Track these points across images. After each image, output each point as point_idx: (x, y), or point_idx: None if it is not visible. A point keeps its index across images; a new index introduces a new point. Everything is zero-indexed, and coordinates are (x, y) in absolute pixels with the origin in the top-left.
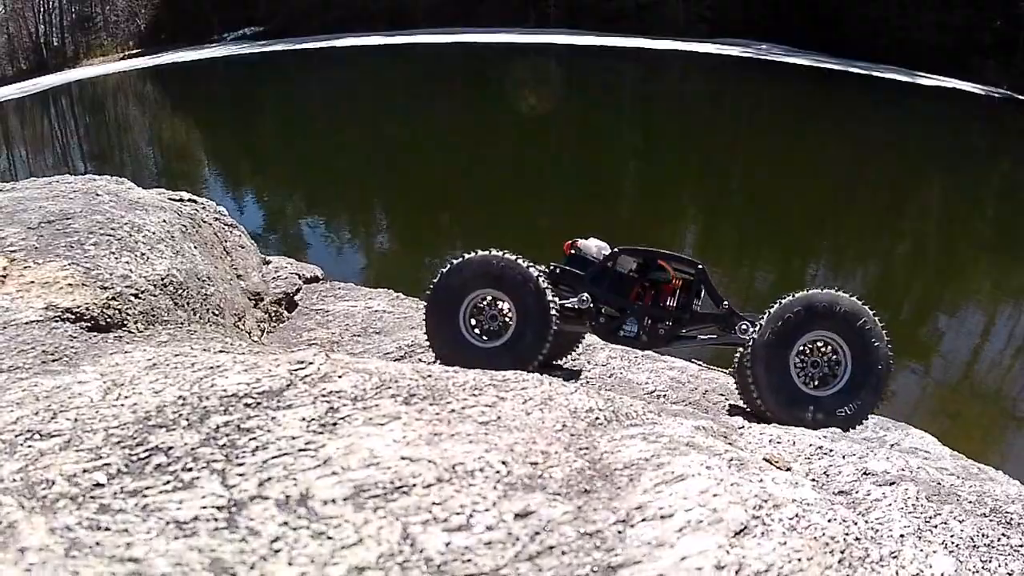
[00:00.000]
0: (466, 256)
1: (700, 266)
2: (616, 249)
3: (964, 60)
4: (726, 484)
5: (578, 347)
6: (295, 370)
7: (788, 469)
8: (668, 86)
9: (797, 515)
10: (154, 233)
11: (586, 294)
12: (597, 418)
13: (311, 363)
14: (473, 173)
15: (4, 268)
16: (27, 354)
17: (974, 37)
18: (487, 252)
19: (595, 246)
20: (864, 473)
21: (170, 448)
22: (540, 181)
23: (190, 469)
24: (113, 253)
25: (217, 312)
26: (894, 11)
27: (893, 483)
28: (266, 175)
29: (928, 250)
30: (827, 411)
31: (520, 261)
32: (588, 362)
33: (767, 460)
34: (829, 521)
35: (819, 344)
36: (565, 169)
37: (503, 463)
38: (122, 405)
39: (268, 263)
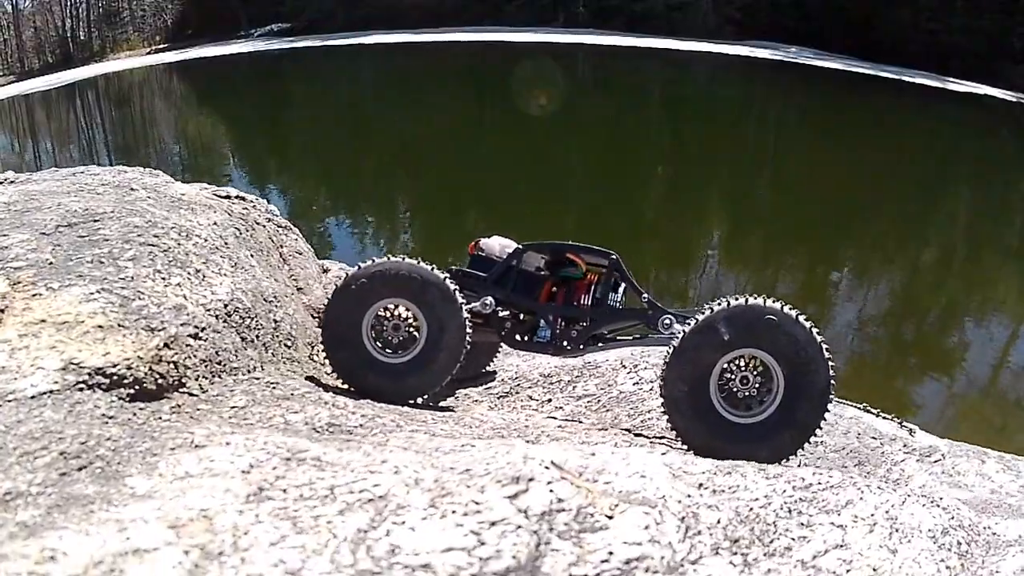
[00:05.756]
0: (369, 262)
1: (613, 256)
2: (520, 246)
3: (994, 66)
4: None
5: (494, 359)
6: (517, 500)
7: None
8: (696, 87)
9: None
10: (206, 240)
11: (489, 298)
12: (958, 542)
13: (535, 481)
14: (498, 171)
15: (3, 296)
16: (33, 462)
17: (1005, 43)
18: (391, 258)
19: (498, 245)
20: None
21: None
22: (565, 180)
23: None
24: (159, 271)
25: (289, 343)
26: (924, 15)
27: None
28: (290, 171)
29: (956, 256)
30: (749, 440)
31: (425, 265)
32: None
33: None
34: None
35: (748, 362)
36: (591, 169)
37: None
38: None
39: (326, 271)
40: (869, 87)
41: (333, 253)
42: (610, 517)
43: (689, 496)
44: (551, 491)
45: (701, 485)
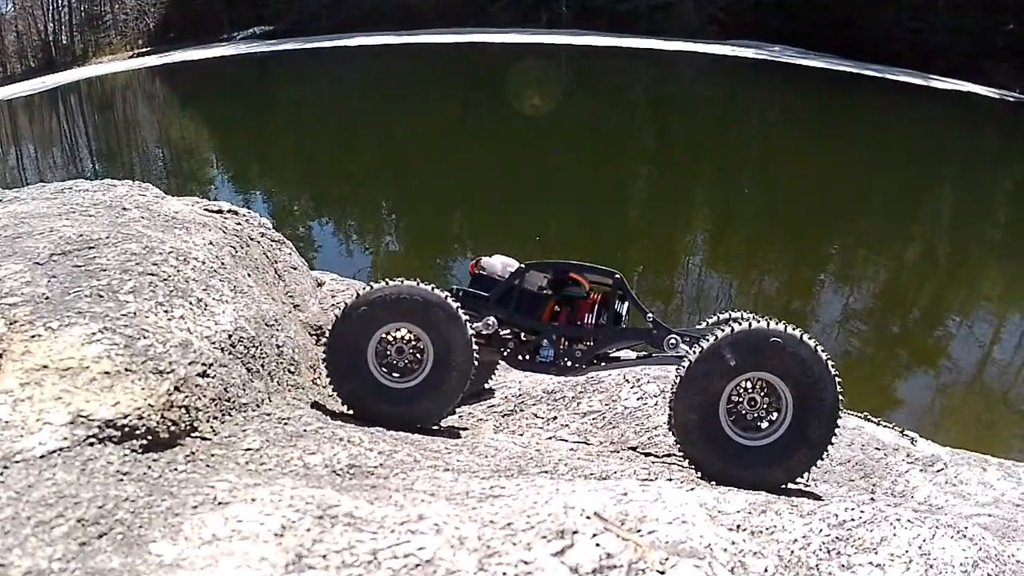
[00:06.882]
0: (368, 288)
1: (617, 275)
2: (523, 265)
3: (977, 63)
4: None
5: (492, 378)
6: (565, 557)
7: None
8: (680, 87)
9: None
10: (203, 263)
11: (491, 318)
12: (988, 574)
13: (579, 534)
14: (483, 174)
15: (0, 338)
16: (50, 532)
17: (987, 40)
18: (389, 282)
19: (500, 263)
20: None
21: None
22: (550, 183)
23: None
24: (161, 303)
25: (292, 368)
26: (907, 14)
27: None
28: (273, 175)
29: (945, 257)
30: (762, 463)
31: (426, 285)
32: None
33: None
34: None
35: (755, 384)
36: (576, 171)
37: None
38: None
39: (321, 285)
40: (853, 85)
41: (323, 261)
42: (662, 573)
43: (733, 543)
44: (598, 545)
45: (739, 527)
